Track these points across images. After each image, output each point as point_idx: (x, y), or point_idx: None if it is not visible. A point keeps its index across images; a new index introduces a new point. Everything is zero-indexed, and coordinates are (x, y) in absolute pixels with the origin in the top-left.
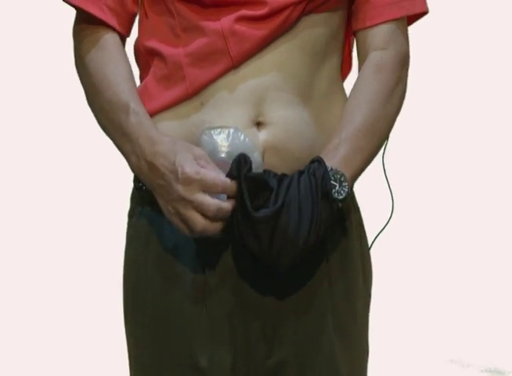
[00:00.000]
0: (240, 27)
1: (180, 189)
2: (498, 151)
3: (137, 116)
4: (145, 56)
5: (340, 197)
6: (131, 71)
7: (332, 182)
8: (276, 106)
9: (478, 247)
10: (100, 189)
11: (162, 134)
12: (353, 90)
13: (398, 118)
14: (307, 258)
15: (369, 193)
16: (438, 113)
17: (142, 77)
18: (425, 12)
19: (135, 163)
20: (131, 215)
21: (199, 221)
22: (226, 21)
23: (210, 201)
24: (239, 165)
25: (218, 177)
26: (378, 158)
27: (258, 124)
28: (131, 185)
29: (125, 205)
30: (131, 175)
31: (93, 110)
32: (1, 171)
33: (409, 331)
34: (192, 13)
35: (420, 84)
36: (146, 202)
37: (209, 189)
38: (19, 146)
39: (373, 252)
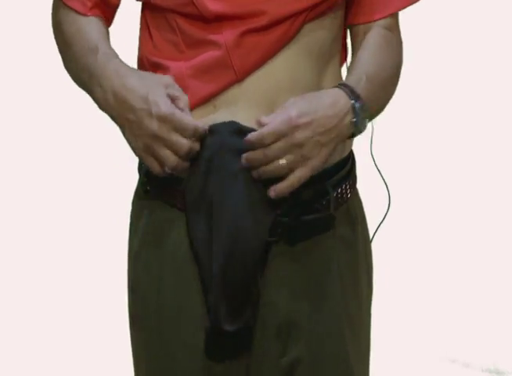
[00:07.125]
0: (243, 41)
1: (155, 126)
2: (494, 142)
3: (105, 55)
4: (149, 70)
5: (360, 132)
6: (103, 24)
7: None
8: None
9: (478, 247)
10: (101, 190)
11: (130, 68)
12: (363, 52)
13: (396, 110)
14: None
15: (366, 185)
16: (432, 104)
17: None
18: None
19: (100, 95)
20: (137, 219)
21: (172, 158)
22: (229, 35)
23: (183, 141)
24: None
25: (192, 122)
26: (377, 151)
27: None
28: (131, 188)
29: (127, 206)
30: (133, 177)
31: (68, 67)
32: (2, 176)
33: (408, 331)
34: (195, 29)
35: (413, 77)
36: (156, 206)
37: (180, 131)
38: (22, 146)
39: (373, 250)
